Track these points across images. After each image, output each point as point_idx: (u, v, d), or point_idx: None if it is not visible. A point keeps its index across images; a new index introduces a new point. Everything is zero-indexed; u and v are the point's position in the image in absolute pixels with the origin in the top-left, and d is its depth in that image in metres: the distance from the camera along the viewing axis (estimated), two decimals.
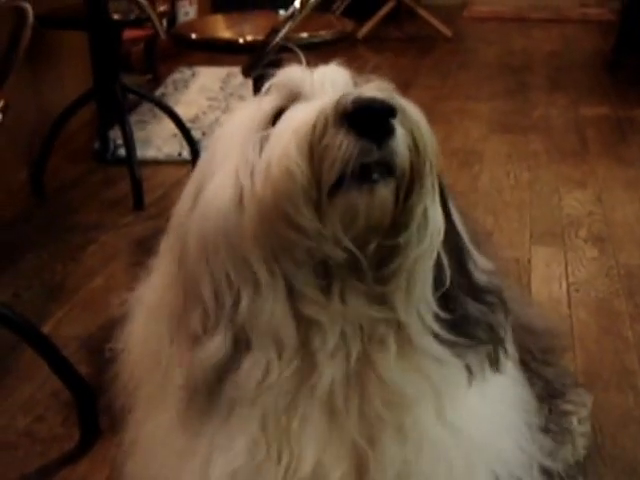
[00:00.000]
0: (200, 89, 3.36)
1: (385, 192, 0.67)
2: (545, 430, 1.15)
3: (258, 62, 1.65)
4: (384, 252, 0.70)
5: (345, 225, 0.67)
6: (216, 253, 0.72)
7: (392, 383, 0.74)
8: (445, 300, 0.75)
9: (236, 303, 0.71)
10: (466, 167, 2.54)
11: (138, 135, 2.54)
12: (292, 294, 0.71)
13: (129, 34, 3.14)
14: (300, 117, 0.68)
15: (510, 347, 0.84)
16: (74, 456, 1.33)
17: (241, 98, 3.19)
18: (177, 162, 2.58)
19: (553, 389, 1.19)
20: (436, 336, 0.74)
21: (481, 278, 0.80)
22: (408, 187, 0.68)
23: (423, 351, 0.75)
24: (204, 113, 3.04)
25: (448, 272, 0.75)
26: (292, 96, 0.75)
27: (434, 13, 4.58)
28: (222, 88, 3.36)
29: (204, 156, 0.80)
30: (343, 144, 0.64)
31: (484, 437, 0.80)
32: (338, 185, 0.65)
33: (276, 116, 0.73)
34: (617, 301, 1.76)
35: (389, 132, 0.65)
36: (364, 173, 0.65)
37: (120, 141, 2.52)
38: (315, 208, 0.66)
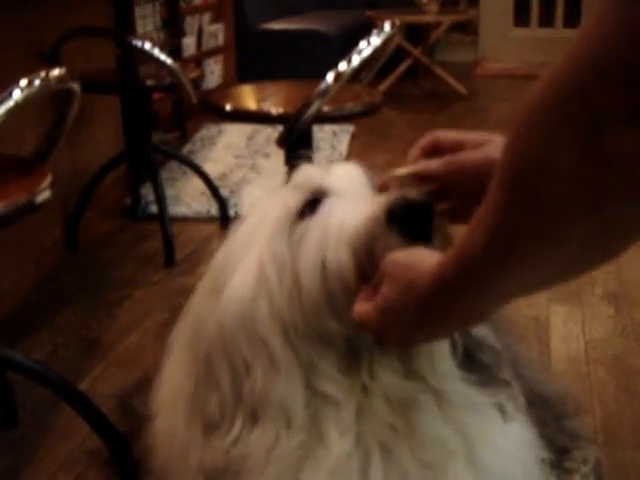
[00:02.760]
0: (227, 146, 3.46)
1: None
2: None
3: (292, 134, 1.74)
4: None
5: None
6: (234, 341, 0.76)
7: (436, 439, 0.78)
8: (464, 358, 0.82)
9: (253, 386, 0.76)
10: None
11: (168, 192, 2.61)
12: (307, 370, 0.76)
13: (158, 93, 3.26)
14: (343, 216, 0.74)
15: (519, 395, 0.88)
16: None
17: (266, 156, 3.30)
18: (206, 219, 2.65)
19: (562, 449, 1.23)
20: (467, 382, 0.80)
21: (476, 334, 0.86)
22: None
23: (460, 404, 0.79)
24: (231, 171, 3.13)
25: (459, 341, 0.82)
26: (314, 192, 0.80)
27: (448, 70, 4.71)
28: (248, 145, 3.46)
29: (223, 249, 0.84)
30: (395, 246, 0.70)
31: (514, 477, 0.83)
32: None
33: (302, 210, 0.79)
34: (633, 359, 1.81)
35: (431, 234, 0.72)
36: None
37: (151, 197, 2.62)
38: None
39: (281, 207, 0.80)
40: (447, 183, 0.74)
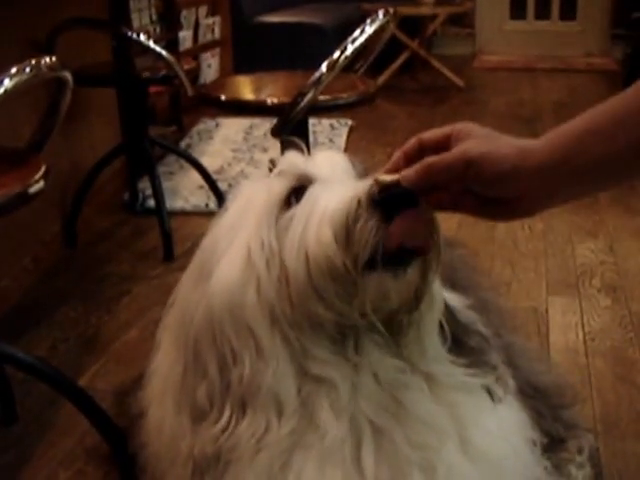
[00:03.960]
0: (224, 140, 3.45)
1: (413, 273, 0.74)
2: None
3: (286, 124, 1.73)
4: (397, 326, 0.78)
5: (375, 302, 0.74)
6: (222, 329, 0.76)
7: (428, 420, 0.78)
8: (452, 342, 0.83)
9: (241, 375, 0.76)
10: None
11: (165, 186, 2.61)
12: (298, 355, 0.76)
13: (154, 87, 3.25)
14: (327, 202, 0.74)
15: (508, 378, 0.89)
16: None
17: (264, 150, 3.29)
18: (204, 213, 2.63)
19: (558, 440, 1.23)
20: (455, 363, 0.81)
21: (464, 319, 0.88)
22: (426, 267, 0.76)
23: (450, 386, 0.80)
24: (229, 164, 3.13)
25: (447, 328, 0.83)
26: (300, 179, 0.80)
27: (445, 63, 4.71)
28: (245, 139, 3.46)
29: (209, 236, 0.83)
30: (376, 228, 0.71)
31: (505, 458, 0.84)
32: (368, 264, 0.72)
33: (287, 198, 0.79)
34: (631, 350, 1.81)
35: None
36: (394, 255, 0.72)
37: (149, 192, 2.61)
38: (346, 287, 0.73)
39: (267, 194, 0.80)
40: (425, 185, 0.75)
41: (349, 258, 0.71)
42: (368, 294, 0.73)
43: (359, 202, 0.72)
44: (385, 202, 0.71)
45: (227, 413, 0.77)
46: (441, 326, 0.82)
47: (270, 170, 0.85)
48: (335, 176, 0.80)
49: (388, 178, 0.73)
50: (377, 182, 0.73)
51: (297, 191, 0.79)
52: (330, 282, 0.72)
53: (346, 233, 0.71)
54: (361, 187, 0.73)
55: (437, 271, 0.78)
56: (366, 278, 0.72)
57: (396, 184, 0.72)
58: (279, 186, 0.80)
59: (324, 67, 1.70)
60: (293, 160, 0.83)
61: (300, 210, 0.76)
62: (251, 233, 0.78)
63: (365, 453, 0.77)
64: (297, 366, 0.76)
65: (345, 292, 0.73)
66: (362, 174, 0.82)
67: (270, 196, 0.79)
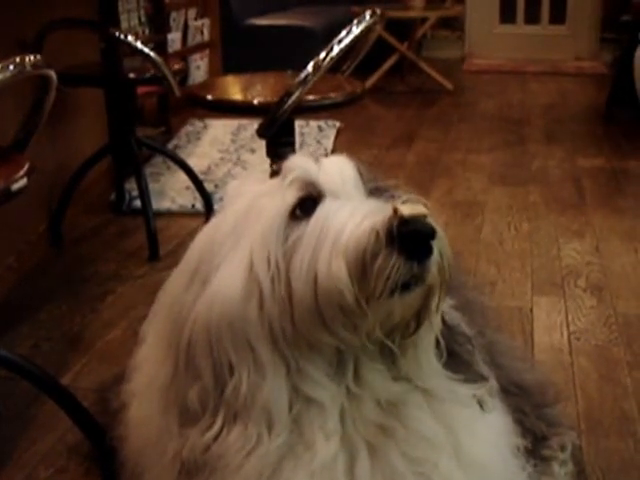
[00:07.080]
0: (212, 141, 3.46)
1: (417, 298, 0.74)
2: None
3: (272, 124, 1.73)
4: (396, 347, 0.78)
5: (380, 326, 0.74)
6: (219, 341, 0.75)
7: (426, 434, 0.79)
8: (447, 360, 0.83)
9: (237, 388, 0.75)
10: (469, 218, 2.63)
11: (152, 187, 2.61)
12: (293, 373, 0.76)
13: (143, 88, 3.25)
14: (340, 227, 0.72)
15: (492, 381, 0.89)
16: None
17: (252, 150, 3.30)
18: (191, 214, 2.65)
19: (540, 437, 1.23)
20: (451, 378, 0.82)
21: (449, 321, 0.88)
22: (430, 293, 0.75)
23: (446, 399, 0.81)
24: (216, 165, 3.14)
25: (442, 340, 0.83)
26: (309, 189, 0.77)
27: (435, 66, 4.73)
28: (233, 140, 3.47)
29: (206, 237, 0.81)
30: (395, 266, 0.69)
31: (495, 465, 0.84)
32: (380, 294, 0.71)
33: (295, 210, 0.77)
34: (616, 349, 1.82)
35: (430, 253, 0.72)
36: (403, 284, 0.72)
37: (135, 192, 2.60)
38: (353, 318, 0.72)
39: (274, 203, 0.77)
40: None
41: (362, 294, 0.70)
42: (377, 320, 0.73)
43: (377, 235, 0.70)
44: (405, 237, 0.70)
45: (219, 421, 0.76)
46: (437, 342, 0.82)
47: (274, 173, 0.82)
48: (346, 190, 0.77)
49: (408, 210, 0.71)
50: (397, 214, 0.70)
51: (305, 202, 0.77)
52: (338, 313, 0.72)
53: (362, 268, 0.70)
54: (379, 217, 0.71)
55: (442, 300, 0.78)
56: (372, 306, 0.72)
57: (415, 218, 0.70)
58: (288, 196, 0.77)
59: (310, 67, 1.70)
60: (303, 167, 0.79)
61: (310, 230, 0.74)
62: (255, 244, 0.75)
63: (359, 469, 0.77)
64: (290, 383, 0.76)
65: (351, 322, 0.73)
66: (370, 185, 0.80)
67: (277, 205, 0.76)
